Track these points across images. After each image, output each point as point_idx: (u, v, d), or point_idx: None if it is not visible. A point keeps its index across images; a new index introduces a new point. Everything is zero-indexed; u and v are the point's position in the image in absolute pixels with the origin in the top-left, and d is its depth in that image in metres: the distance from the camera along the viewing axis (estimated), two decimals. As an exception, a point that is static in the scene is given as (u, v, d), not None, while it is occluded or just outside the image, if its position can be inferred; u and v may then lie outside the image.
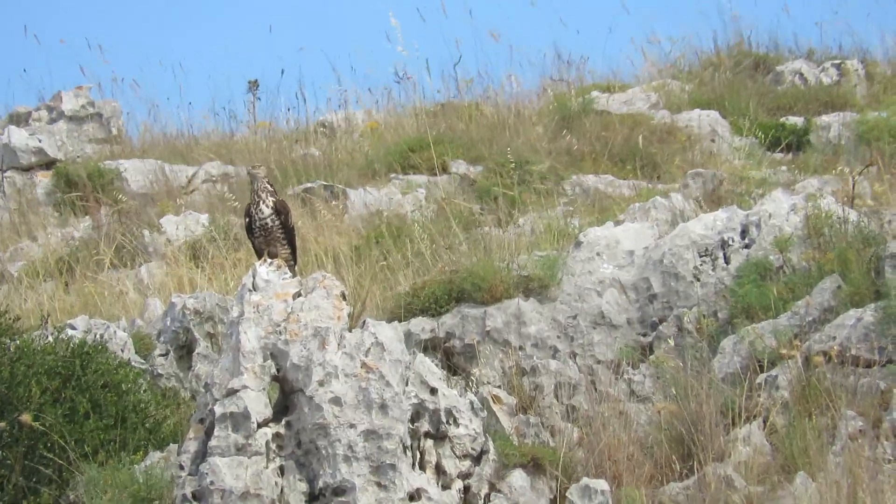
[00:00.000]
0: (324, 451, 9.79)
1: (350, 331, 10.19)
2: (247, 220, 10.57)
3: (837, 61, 20.29)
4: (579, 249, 13.14)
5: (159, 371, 12.70)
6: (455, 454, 10.22)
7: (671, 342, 12.29)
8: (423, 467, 10.08)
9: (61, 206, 18.47)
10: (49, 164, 19.59)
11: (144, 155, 19.52)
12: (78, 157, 19.79)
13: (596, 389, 12.02)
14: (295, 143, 19.81)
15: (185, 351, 12.83)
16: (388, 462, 9.77)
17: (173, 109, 21.60)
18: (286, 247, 10.52)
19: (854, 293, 11.58)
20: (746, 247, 12.67)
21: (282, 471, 9.88)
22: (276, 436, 9.92)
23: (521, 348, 12.62)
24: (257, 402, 9.88)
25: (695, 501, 10.22)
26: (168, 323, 12.98)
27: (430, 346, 12.73)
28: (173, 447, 10.59)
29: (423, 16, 21.04)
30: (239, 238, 15.76)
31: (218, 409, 9.85)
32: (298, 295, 10.28)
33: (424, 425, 10.15)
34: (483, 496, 10.23)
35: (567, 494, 10.18)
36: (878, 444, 10.35)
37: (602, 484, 10.14)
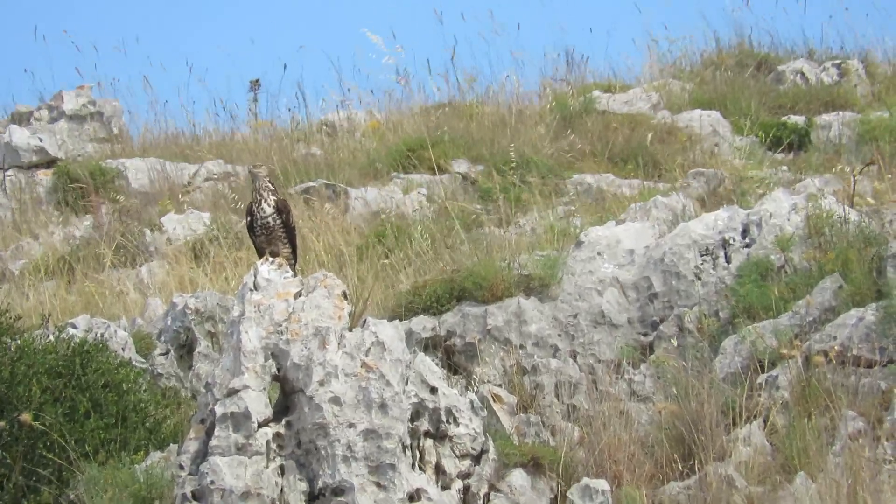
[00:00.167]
0: (323, 451, 9.79)
1: (351, 330, 10.19)
2: (248, 219, 10.58)
3: (838, 61, 20.28)
4: (580, 249, 13.14)
5: (160, 371, 12.70)
6: (455, 454, 10.22)
7: (672, 342, 12.29)
8: (422, 467, 10.08)
9: (62, 205, 18.47)
10: (50, 163, 19.60)
11: (145, 154, 19.52)
12: (79, 156, 19.80)
13: (597, 389, 12.01)
14: (296, 143, 19.82)
15: (185, 350, 12.83)
16: (387, 462, 9.77)
17: (174, 108, 21.60)
18: (287, 246, 10.53)
19: (855, 293, 11.58)
20: (747, 246, 12.67)
21: (282, 470, 9.88)
22: (277, 436, 9.92)
23: (521, 347, 12.62)
24: (258, 402, 9.88)
25: (695, 501, 10.22)
26: (169, 322, 12.98)
27: (431, 345, 12.73)
28: (174, 447, 10.59)
29: (439, 16, 21.05)
30: (240, 237, 15.77)
31: (219, 409, 9.85)
32: (299, 294, 10.28)
33: (424, 424, 10.15)
34: (483, 496, 10.22)
35: (567, 494, 10.18)
36: (878, 445, 10.35)
37: (602, 484, 10.14)
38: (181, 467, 9.94)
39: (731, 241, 12.73)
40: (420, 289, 13.19)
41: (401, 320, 11.89)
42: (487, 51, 27.60)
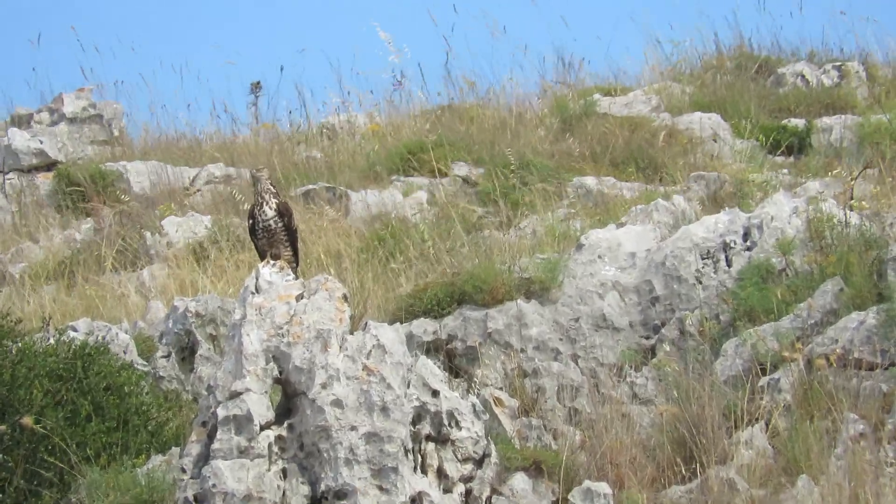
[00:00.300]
0: (325, 454, 9.79)
1: (352, 333, 10.19)
2: (250, 221, 10.58)
3: (838, 63, 20.27)
4: (581, 252, 13.14)
5: (161, 373, 12.69)
6: (457, 457, 10.21)
7: (673, 345, 12.28)
8: (424, 470, 10.08)
9: (63, 209, 18.45)
10: (50, 165, 19.58)
11: (146, 157, 19.50)
12: (79, 158, 19.77)
13: (598, 392, 12.01)
14: (297, 145, 19.81)
15: (187, 353, 12.82)
16: (389, 465, 9.77)
17: (175, 111, 21.58)
18: (289, 248, 10.53)
19: (856, 296, 11.58)
20: (748, 249, 12.67)
21: (284, 474, 9.87)
22: (279, 438, 9.91)
23: (522, 351, 12.62)
24: (260, 405, 9.88)
25: (697, 504, 10.23)
26: (170, 325, 12.97)
27: (432, 348, 12.73)
28: (175, 450, 10.59)
29: (433, 18, 21.05)
30: (241, 240, 15.76)
31: (220, 412, 9.84)
32: (301, 297, 10.27)
33: (426, 428, 10.14)
34: (485, 499, 10.22)
35: (569, 498, 10.18)
36: (880, 448, 10.35)
37: (604, 487, 10.14)
38: (183, 470, 9.94)
39: (732, 245, 12.73)
40: (421, 292, 13.19)
41: (401, 323, 11.88)
42: (488, 54, 27.57)
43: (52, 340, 11.39)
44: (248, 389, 9.91)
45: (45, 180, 19.18)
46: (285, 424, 9.98)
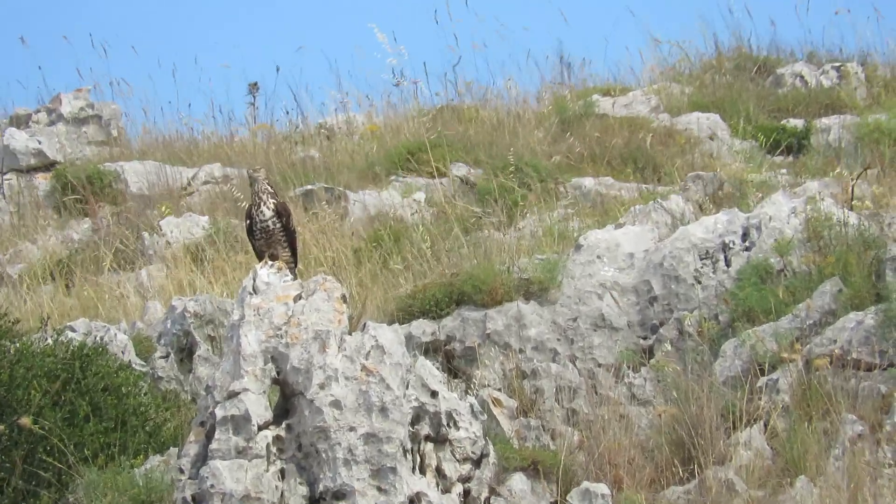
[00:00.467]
0: (324, 455, 9.78)
1: (351, 333, 10.18)
2: (248, 222, 10.57)
3: (837, 64, 20.27)
4: (579, 252, 13.13)
5: (160, 374, 12.68)
6: (455, 458, 10.21)
7: (672, 345, 12.28)
8: (423, 471, 10.07)
9: (61, 209, 18.44)
10: (49, 166, 19.57)
11: (144, 157, 19.48)
12: (77, 159, 19.76)
13: (596, 393, 12.01)
14: (295, 146, 19.80)
15: (185, 354, 12.81)
16: (388, 465, 9.76)
17: (173, 111, 21.57)
18: (287, 249, 10.52)
19: (854, 296, 11.58)
20: (747, 249, 12.67)
21: (282, 474, 9.87)
22: (277, 439, 9.91)
23: (521, 351, 12.61)
24: (258, 405, 9.87)
25: (695, 505, 10.23)
26: (168, 326, 12.96)
27: (430, 349, 12.73)
28: (173, 450, 10.58)
29: (439, 15, 21.04)
30: (239, 240, 15.75)
31: (219, 412, 9.84)
32: (299, 297, 10.27)
33: (425, 428, 10.14)
34: (483, 500, 10.22)
35: (567, 498, 10.18)
36: (878, 449, 10.35)
37: (602, 488, 10.14)
38: (181, 471, 9.93)
39: (731, 245, 12.73)
40: (419, 292, 13.18)
41: (400, 324, 11.86)
42: (486, 55, 27.56)
43: (50, 341, 11.38)
44: (246, 390, 9.90)
45: (43, 181, 19.18)
46: (283, 425, 9.98)
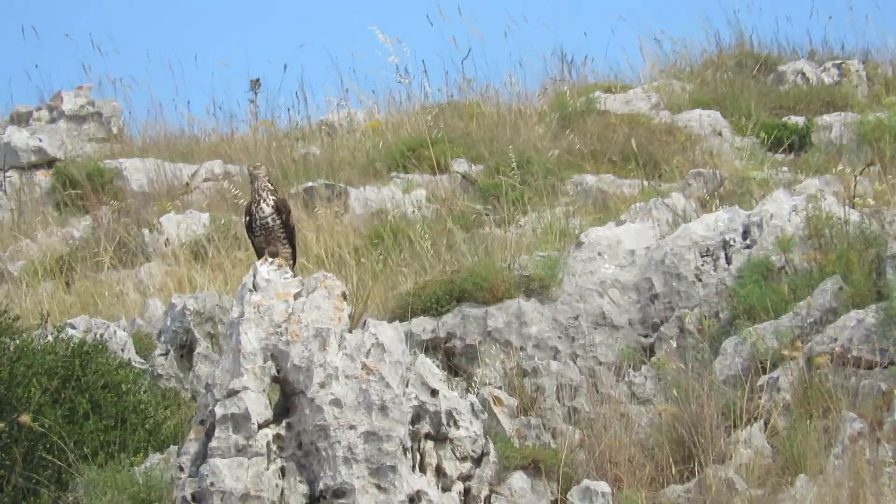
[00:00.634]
0: (324, 453, 9.78)
1: (351, 331, 10.17)
2: (247, 218, 10.56)
3: (839, 61, 20.27)
4: (580, 249, 13.12)
5: (159, 371, 12.67)
6: (455, 456, 10.20)
7: (673, 343, 12.27)
8: (423, 469, 10.07)
9: (61, 206, 18.45)
10: (49, 163, 19.58)
11: (145, 154, 19.49)
12: (78, 156, 19.77)
13: (597, 391, 12.00)
14: (296, 142, 19.79)
15: (185, 351, 12.81)
16: (388, 464, 9.76)
17: (174, 109, 21.57)
18: (287, 246, 10.50)
19: (855, 294, 11.57)
20: (748, 247, 12.66)
21: (282, 472, 9.86)
22: (277, 437, 9.90)
23: (522, 349, 12.60)
24: (258, 404, 9.86)
25: (696, 504, 10.22)
26: (168, 323, 12.96)
27: (431, 347, 12.71)
28: (173, 448, 10.57)
29: (441, 12, 21.01)
30: (239, 237, 15.75)
31: (218, 411, 9.83)
32: (299, 295, 10.26)
33: (425, 427, 10.13)
34: (483, 498, 10.21)
35: (568, 497, 10.17)
36: (879, 447, 10.34)
37: (603, 486, 10.13)
38: (181, 469, 9.93)
39: (732, 242, 12.72)
40: (420, 290, 13.17)
41: (401, 322, 11.86)
42: (488, 51, 27.55)
43: (50, 338, 11.38)
44: (245, 388, 9.89)
45: (43, 178, 19.18)
46: (283, 423, 9.97)
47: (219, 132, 20.75)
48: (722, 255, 12.70)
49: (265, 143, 19.84)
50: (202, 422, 10.06)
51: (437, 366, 10.88)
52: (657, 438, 10.86)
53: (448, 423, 10.18)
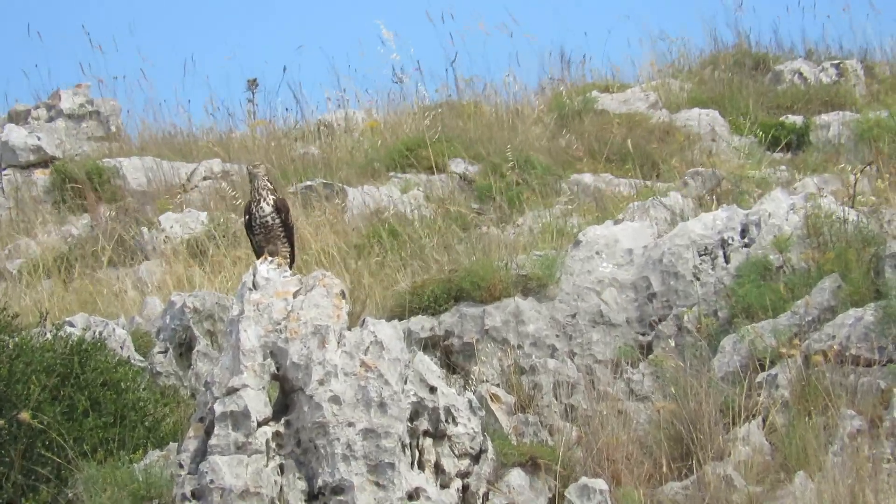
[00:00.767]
0: (323, 450, 9.79)
1: (350, 329, 10.18)
2: (247, 217, 10.57)
3: (837, 61, 20.30)
4: (578, 248, 13.14)
5: (158, 369, 12.68)
6: (454, 453, 10.21)
7: (670, 341, 12.28)
8: (421, 466, 10.07)
9: (60, 204, 18.46)
10: (47, 162, 19.57)
11: (143, 152, 19.50)
12: (76, 154, 19.78)
13: (595, 388, 12.01)
14: (294, 142, 19.81)
15: (184, 349, 12.81)
16: (386, 461, 9.76)
17: (172, 107, 21.59)
18: (286, 245, 10.52)
19: (854, 293, 11.58)
20: (746, 246, 12.67)
21: (281, 469, 9.87)
22: (276, 434, 9.91)
23: (519, 347, 12.62)
24: (257, 401, 9.87)
25: (694, 501, 10.21)
26: (167, 321, 12.96)
27: (429, 345, 12.73)
28: (173, 446, 10.58)
29: (430, 17, 21.03)
30: (238, 236, 15.76)
31: (218, 408, 9.84)
32: (298, 293, 10.27)
33: (423, 424, 10.14)
34: (481, 495, 10.22)
35: (566, 494, 10.17)
36: (877, 444, 10.35)
37: (601, 483, 10.14)
38: (180, 466, 9.93)
39: (730, 241, 12.74)
40: (418, 289, 13.19)
41: (399, 320, 11.88)
42: (487, 50, 27.59)
43: (49, 336, 11.37)
44: (245, 385, 9.90)
45: (42, 176, 19.18)
46: (283, 420, 9.98)
47: (217, 131, 20.78)
48: (720, 253, 12.71)
49: (264, 142, 19.85)
50: (201, 419, 10.06)
51: (436, 363, 10.89)
52: (655, 435, 10.86)
53: (446, 420, 10.19)
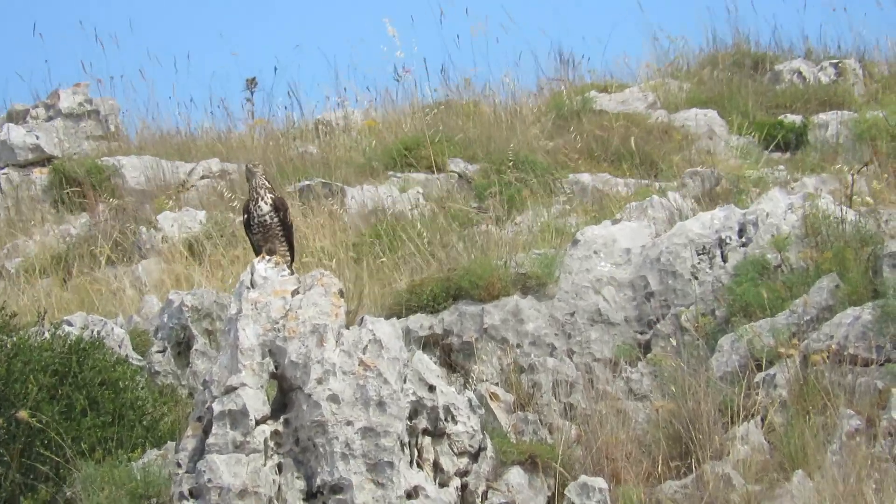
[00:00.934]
0: (321, 449, 9.78)
1: (348, 328, 10.18)
2: (245, 216, 10.57)
3: (835, 60, 20.28)
4: (577, 248, 13.15)
5: (157, 368, 12.68)
6: (453, 451, 10.21)
7: (669, 340, 12.29)
8: (420, 465, 10.08)
9: (58, 203, 18.44)
10: (46, 161, 19.56)
11: (142, 152, 19.49)
12: (75, 154, 19.76)
13: (594, 387, 12.02)
14: (293, 141, 19.80)
15: (182, 348, 12.81)
16: (385, 460, 9.76)
17: (171, 106, 21.58)
18: (284, 244, 10.51)
19: (852, 292, 11.59)
20: (744, 245, 12.68)
21: (280, 468, 9.87)
22: (275, 433, 9.91)
23: (518, 346, 12.62)
24: (255, 400, 9.87)
25: (693, 500, 10.22)
26: (165, 320, 12.96)
27: (428, 343, 12.74)
28: (171, 445, 10.57)
29: (437, 14, 21.03)
30: (236, 235, 15.76)
31: (216, 407, 9.84)
32: (297, 292, 10.27)
33: (422, 422, 10.14)
34: (481, 494, 10.22)
35: (565, 492, 10.18)
36: (875, 443, 10.36)
37: (600, 482, 10.14)
38: (178, 465, 9.93)
39: (728, 241, 12.74)
40: (417, 287, 13.19)
41: (398, 319, 11.88)
42: (485, 50, 27.56)
43: (47, 335, 11.37)
44: (243, 384, 9.90)
45: (40, 175, 19.17)
46: (281, 419, 9.98)
47: (216, 130, 20.77)
48: (718, 253, 12.72)
49: (262, 141, 19.85)
50: (199, 418, 10.06)
51: (435, 362, 10.90)
52: (654, 434, 10.87)
53: (445, 419, 10.19)
